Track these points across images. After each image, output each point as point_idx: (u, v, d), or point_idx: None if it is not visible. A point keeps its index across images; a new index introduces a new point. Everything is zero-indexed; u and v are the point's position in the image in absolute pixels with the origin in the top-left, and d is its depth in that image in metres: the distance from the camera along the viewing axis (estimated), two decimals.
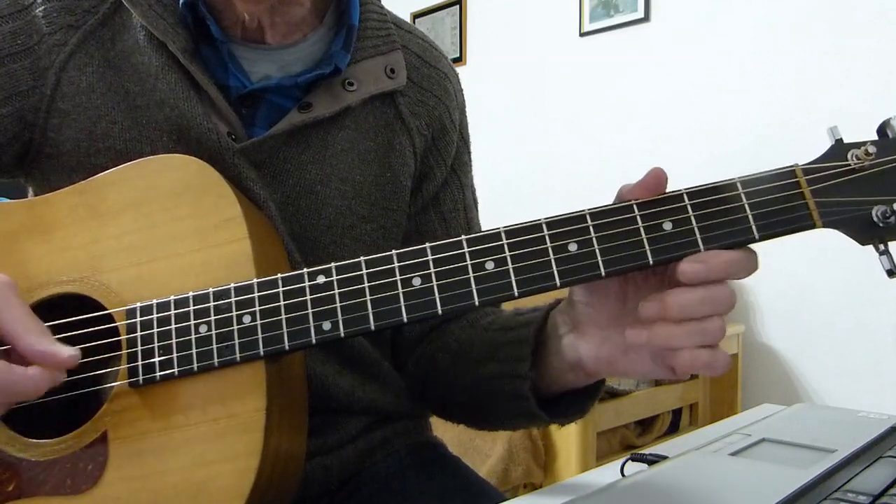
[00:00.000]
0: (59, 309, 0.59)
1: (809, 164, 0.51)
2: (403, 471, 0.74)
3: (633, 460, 0.64)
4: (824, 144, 0.52)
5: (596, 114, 2.86)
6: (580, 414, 0.64)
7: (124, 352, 0.56)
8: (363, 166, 0.71)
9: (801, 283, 2.33)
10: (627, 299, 0.55)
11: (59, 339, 0.56)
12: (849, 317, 2.25)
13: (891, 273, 0.51)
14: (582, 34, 2.90)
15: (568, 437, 1.87)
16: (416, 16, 3.52)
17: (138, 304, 0.57)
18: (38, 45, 0.66)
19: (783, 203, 0.50)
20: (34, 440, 0.57)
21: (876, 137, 0.51)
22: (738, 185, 0.51)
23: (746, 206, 0.50)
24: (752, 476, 0.50)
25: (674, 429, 2.37)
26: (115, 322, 0.57)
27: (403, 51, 0.74)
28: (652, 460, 0.62)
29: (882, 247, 0.51)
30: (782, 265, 2.37)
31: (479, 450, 1.89)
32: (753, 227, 0.50)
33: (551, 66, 3.00)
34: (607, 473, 0.63)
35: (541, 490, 0.68)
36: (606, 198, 0.55)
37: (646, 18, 2.72)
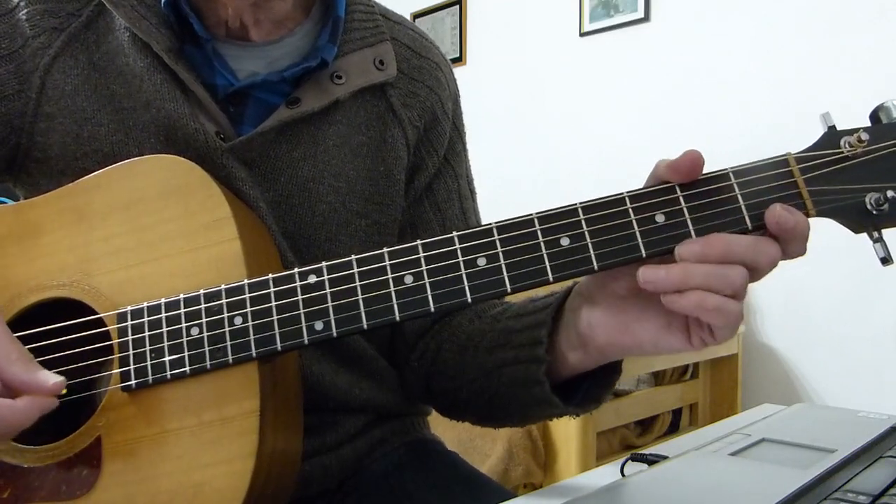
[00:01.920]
0: (50, 314, 0.59)
1: (802, 152, 0.51)
2: (401, 467, 0.74)
3: (633, 460, 0.64)
4: None
5: (596, 114, 2.86)
6: (595, 403, 0.62)
7: (116, 356, 0.56)
8: (356, 161, 0.70)
9: (801, 283, 2.33)
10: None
11: (53, 344, 0.57)
12: (849, 317, 2.25)
13: (884, 261, 0.50)
14: (582, 34, 2.90)
15: (568, 437, 1.87)
16: (416, 16, 3.51)
17: (129, 308, 0.56)
18: (22, 48, 0.65)
19: (776, 192, 0.50)
20: (28, 446, 0.56)
21: (869, 124, 0.51)
22: (731, 175, 0.51)
23: (739, 197, 0.50)
24: (752, 476, 0.50)
25: (674, 429, 2.37)
26: (106, 326, 0.57)
27: (393, 42, 0.73)
28: (652, 460, 0.62)
29: (876, 234, 0.50)
30: (782, 265, 2.36)
31: (479, 450, 1.88)
32: (746, 218, 0.50)
33: (551, 66, 3.00)
34: (607, 473, 0.63)
35: (541, 490, 0.68)
36: None
37: (646, 18, 2.72)
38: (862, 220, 0.50)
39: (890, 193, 0.49)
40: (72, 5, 0.67)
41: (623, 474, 0.62)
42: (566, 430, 1.87)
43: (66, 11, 0.66)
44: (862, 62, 2.20)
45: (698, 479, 0.50)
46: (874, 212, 0.49)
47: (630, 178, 0.55)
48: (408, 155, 0.74)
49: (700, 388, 2.42)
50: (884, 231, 0.50)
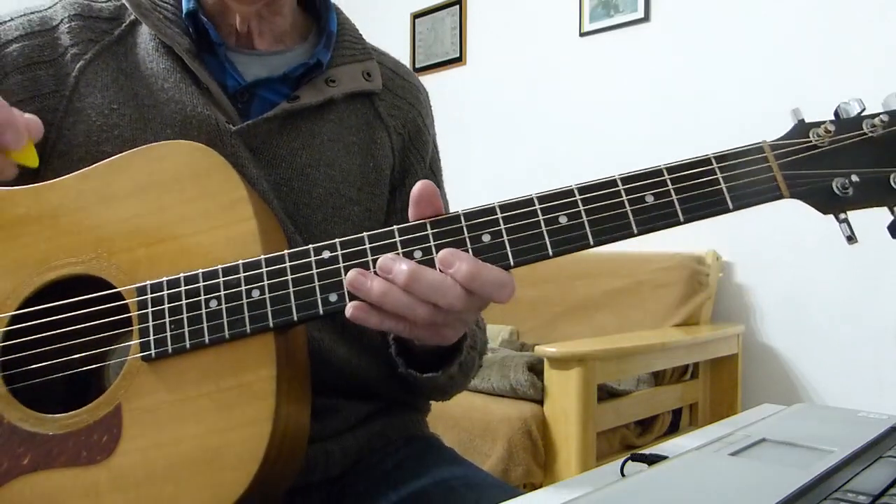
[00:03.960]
0: (70, 290, 0.61)
1: (775, 141, 0.56)
2: (400, 461, 0.78)
3: (633, 460, 0.64)
4: None
5: (596, 114, 2.86)
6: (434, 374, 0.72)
7: (136, 327, 0.58)
8: (348, 157, 0.78)
9: (801, 283, 2.33)
10: None
11: (73, 317, 0.60)
12: (849, 317, 2.24)
13: (850, 239, 0.55)
14: (582, 34, 2.90)
15: (568, 437, 1.87)
16: (416, 16, 3.52)
17: (148, 282, 0.59)
18: (61, 56, 0.74)
19: (754, 176, 0.55)
20: (47, 415, 0.59)
21: (833, 118, 0.57)
22: (713, 160, 0.56)
23: (721, 179, 0.55)
24: (752, 476, 0.50)
25: (674, 429, 2.36)
26: (125, 300, 0.59)
27: (379, 64, 0.84)
28: (652, 460, 0.62)
29: (842, 216, 0.55)
30: (782, 265, 2.37)
31: (479, 450, 1.88)
32: (728, 198, 0.55)
33: (551, 66, 3.01)
34: (607, 473, 0.63)
35: (541, 490, 0.68)
36: None
37: (646, 18, 2.72)
38: (829, 203, 0.55)
39: (854, 178, 0.54)
40: (106, 24, 0.77)
41: (623, 474, 0.62)
42: (566, 430, 1.87)
43: (101, 29, 0.77)
44: (862, 62, 2.20)
45: (698, 479, 0.50)
46: (840, 195, 0.54)
47: None
48: (393, 158, 0.83)
49: (700, 388, 2.42)
50: (850, 213, 0.56)
